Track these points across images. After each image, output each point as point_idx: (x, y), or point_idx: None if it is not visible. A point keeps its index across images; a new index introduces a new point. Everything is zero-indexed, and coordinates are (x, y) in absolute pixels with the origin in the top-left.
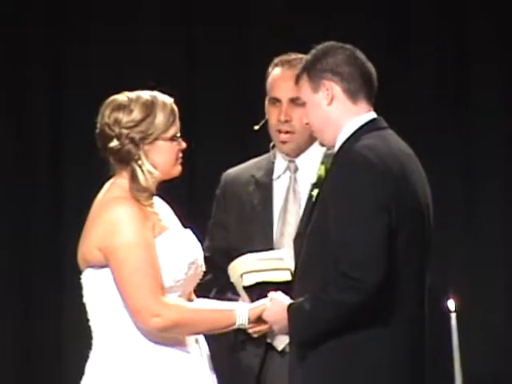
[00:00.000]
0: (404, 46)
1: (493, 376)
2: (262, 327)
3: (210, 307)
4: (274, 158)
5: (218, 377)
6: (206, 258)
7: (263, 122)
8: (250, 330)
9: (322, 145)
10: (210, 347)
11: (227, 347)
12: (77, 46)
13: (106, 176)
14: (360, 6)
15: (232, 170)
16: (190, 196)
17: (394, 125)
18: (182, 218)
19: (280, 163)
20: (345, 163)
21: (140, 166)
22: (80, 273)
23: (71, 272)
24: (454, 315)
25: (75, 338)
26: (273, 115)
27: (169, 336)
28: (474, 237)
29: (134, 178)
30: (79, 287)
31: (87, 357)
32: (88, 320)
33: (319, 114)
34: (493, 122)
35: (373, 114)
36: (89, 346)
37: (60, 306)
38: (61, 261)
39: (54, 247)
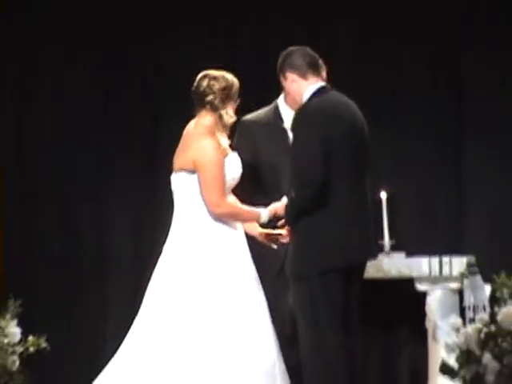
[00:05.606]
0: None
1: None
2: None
3: (246, 208)
4: (278, 105)
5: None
6: None
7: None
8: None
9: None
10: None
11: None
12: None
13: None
14: None
15: (248, 117)
16: None
17: None
18: None
19: (286, 111)
20: (298, 113)
21: (226, 113)
22: None
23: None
24: (384, 203)
25: None
26: None
27: (225, 219)
28: (401, 134)
29: (221, 119)
30: None
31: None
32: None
33: (291, 91)
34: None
35: (321, 83)
36: None
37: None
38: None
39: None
